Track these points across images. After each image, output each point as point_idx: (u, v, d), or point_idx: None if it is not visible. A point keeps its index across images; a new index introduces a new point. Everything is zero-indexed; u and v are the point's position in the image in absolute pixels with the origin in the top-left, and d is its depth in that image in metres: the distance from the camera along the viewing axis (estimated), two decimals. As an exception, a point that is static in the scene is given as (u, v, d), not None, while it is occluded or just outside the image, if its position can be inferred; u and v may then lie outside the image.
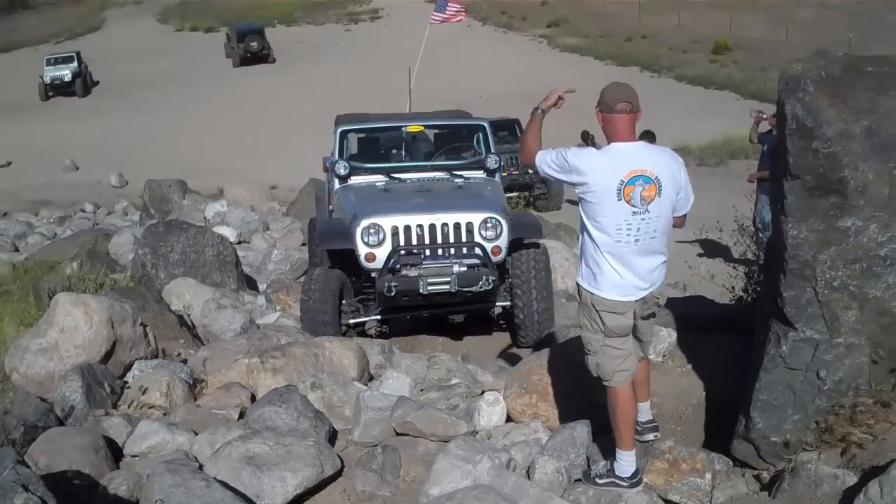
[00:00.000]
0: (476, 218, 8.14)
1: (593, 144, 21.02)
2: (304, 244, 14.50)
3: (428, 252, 8.08)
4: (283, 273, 12.01)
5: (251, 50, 49.45)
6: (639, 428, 4.88)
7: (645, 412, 5.02)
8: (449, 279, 7.90)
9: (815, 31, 40.59)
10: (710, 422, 5.37)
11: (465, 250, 8.09)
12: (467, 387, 6.40)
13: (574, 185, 4.44)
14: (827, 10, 48.66)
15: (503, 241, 8.14)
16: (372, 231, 8.05)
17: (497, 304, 8.49)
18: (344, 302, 8.32)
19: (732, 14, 47.94)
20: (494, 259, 8.09)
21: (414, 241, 8.09)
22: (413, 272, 8.00)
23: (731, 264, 10.15)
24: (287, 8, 63.03)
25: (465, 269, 8.00)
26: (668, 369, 5.90)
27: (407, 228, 8.10)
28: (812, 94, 4.13)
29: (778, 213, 4.34)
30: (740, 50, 44.84)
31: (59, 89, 45.60)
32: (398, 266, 8.01)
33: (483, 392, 6.16)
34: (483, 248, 8.04)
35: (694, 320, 6.59)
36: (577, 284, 4.65)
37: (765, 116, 11.87)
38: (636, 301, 4.50)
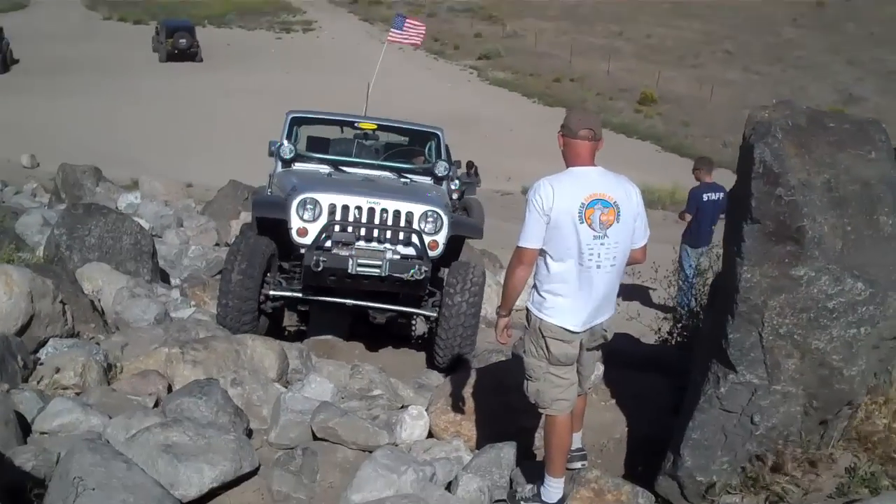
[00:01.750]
0: (417, 209, 7.91)
1: (476, 174, 21.16)
2: (217, 244, 14.25)
3: (363, 232, 7.82)
4: (199, 270, 11.74)
5: (179, 46, 48.67)
6: (568, 456, 4.88)
7: (576, 441, 5.03)
8: (380, 263, 7.61)
9: (739, 93, 41.56)
10: (630, 457, 5.42)
11: (401, 236, 7.85)
12: (389, 399, 6.34)
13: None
14: (752, 75, 50.17)
15: (442, 237, 7.93)
16: (308, 205, 7.76)
17: (422, 311, 8.26)
18: (268, 274, 7.98)
19: (661, 68, 48.91)
20: (431, 253, 7.85)
21: (350, 221, 7.83)
22: (344, 251, 7.70)
23: (651, 308, 10.26)
24: (219, 9, 62.24)
25: (398, 256, 7.79)
26: (593, 402, 5.90)
27: (345, 208, 7.82)
28: (780, 140, 4.21)
29: (733, 255, 4.37)
30: (665, 103, 45.71)
31: (-23, 64, 44.15)
32: (329, 242, 7.74)
33: (403, 406, 6.10)
34: (420, 238, 7.82)
35: (620, 357, 6.64)
36: (527, 309, 4.60)
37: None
38: (584, 331, 4.49)
